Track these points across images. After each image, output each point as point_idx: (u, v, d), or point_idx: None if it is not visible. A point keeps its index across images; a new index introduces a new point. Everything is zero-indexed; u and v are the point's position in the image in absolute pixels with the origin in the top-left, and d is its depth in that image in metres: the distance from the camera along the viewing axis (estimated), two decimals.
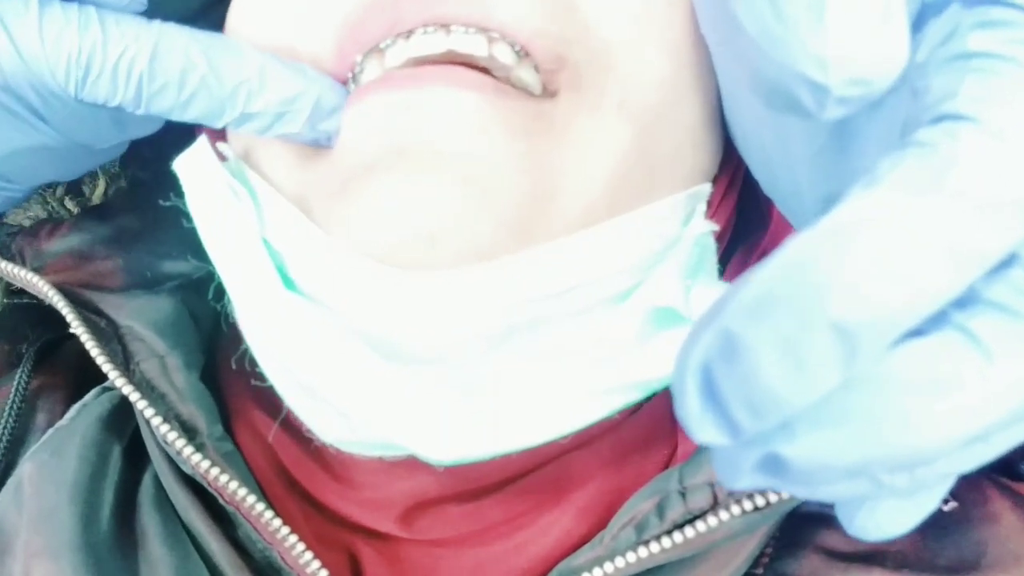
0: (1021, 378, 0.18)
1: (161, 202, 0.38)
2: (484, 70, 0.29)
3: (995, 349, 0.18)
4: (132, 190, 0.42)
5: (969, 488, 0.34)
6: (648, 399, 0.35)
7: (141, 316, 0.37)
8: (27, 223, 0.40)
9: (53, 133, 0.32)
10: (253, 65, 0.29)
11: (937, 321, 0.18)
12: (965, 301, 0.18)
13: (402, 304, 0.29)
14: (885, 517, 0.22)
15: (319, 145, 0.30)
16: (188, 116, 0.30)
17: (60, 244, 0.39)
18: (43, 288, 0.37)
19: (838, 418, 0.18)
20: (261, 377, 0.32)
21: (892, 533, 0.22)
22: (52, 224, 0.40)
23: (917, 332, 0.18)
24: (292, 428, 0.35)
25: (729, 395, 0.18)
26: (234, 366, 0.35)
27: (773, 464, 0.19)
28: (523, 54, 0.29)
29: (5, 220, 0.40)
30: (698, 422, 0.19)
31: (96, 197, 0.42)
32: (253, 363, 0.32)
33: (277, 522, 0.33)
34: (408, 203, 0.28)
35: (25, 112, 0.31)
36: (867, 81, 0.19)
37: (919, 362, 0.18)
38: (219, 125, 0.30)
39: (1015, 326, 0.18)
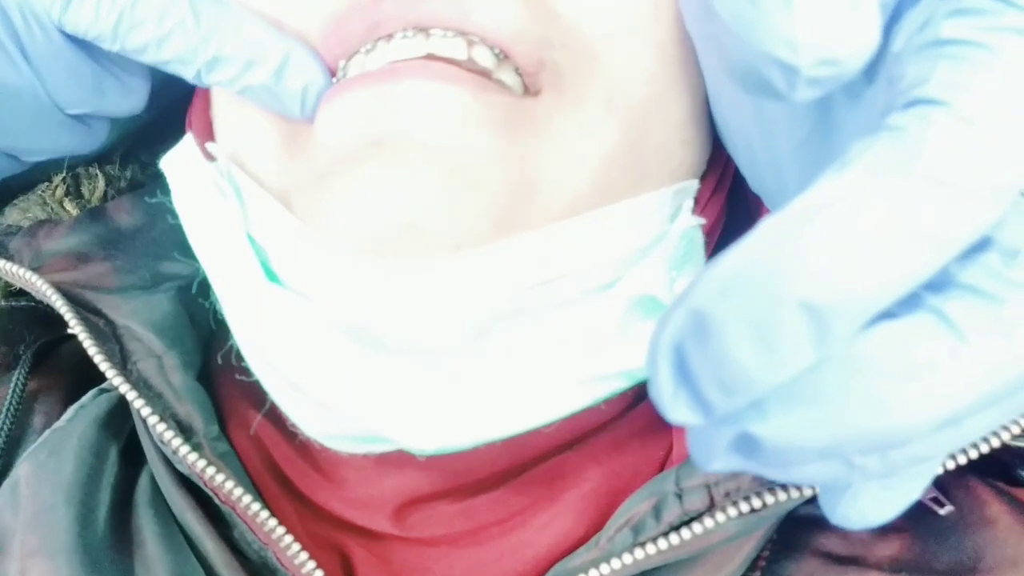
0: (995, 362, 0.18)
1: (147, 199, 0.38)
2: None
3: (969, 332, 0.18)
4: (130, 192, 0.42)
5: (966, 492, 0.34)
6: (642, 399, 0.36)
7: (139, 316, 0.37)
8: (25, 223, 0.40)
9: (29, 74, 0.33)
10: (232, 14, 0.30)
11: (910, 304, 0.18)
12: (939, 284, 0.18)
13: (382, 293, 0.29)
14: (867, 504, 0.22)
15: (284, 111, 0.31)
16: (162, 56, 0.30)
17: (58, 244, 0.39)
18: (41, 287, 0.37)
19: (810, 398, 0.18)
20: (247, 372, 0.32)
21: (874, 521, 0.22)
22: (51, 224, 0.40)
23: (890, 314, 0.18)
24: (283, 426, 0.35)
25: (700, 374, 0.18)
26: (220, 361, 0.35)
27: (746, 444, 0.19)
28: (503, 57, 0.29)
29: (4, 220, 0.40)
30: (670, 401, 0.19)
31: (95, 199, 0.42)
32: (240, 358, 0.32)
33: (272, 522, 0.33)
34: (385, 192, 0.28)
35: (6, 37, 0.31)
36: (836, 61, 0.20)
37: (891, 344, 0.18)
38: (191, 72, 0.31)
39: (989, 309, 0.18)
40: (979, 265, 0.18)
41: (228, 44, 0.30)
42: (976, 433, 0.19)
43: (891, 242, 0.17)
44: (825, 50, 0.19)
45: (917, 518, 0.33)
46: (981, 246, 0.19)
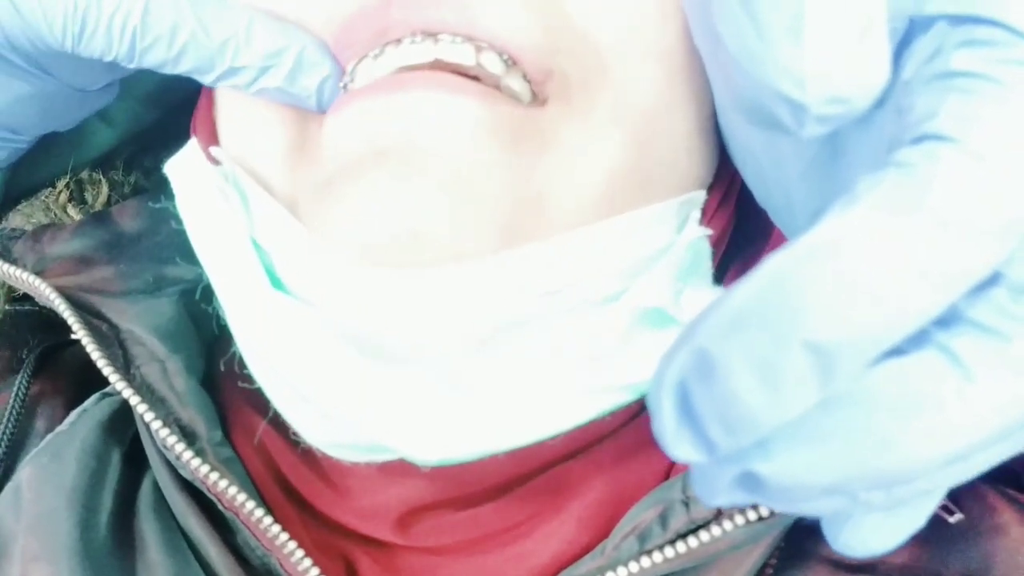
0: (1002, 399, 0.18)
1: (151, 204, 0.38)
2: (473, 79, 0.29)
3: (976, 369, 0.18)
4: (134, 197, 0.42)
5: (975, 500, 0.34)
6: (646, 409, 0.35)
7: (142, 320, 0.37)
8: (29, 228, 0.40)
9: (53, 80, 0.34)
10: (240, 21, 0.30)
11: (918, 340, 0.18)
12: (946, 320, 0.18)
13: (386, 302, 0.29)
14: (870, 534, 0.22)
15: (300, 105, 0.31)
16: (179, 69, 0.31)
17: (62, 248, 0.39)
18: (45, 291, 0.37)
19: (815, 437, 0.18)
20: (249, 379, 0.32)
21: (877, 550, 0.22)
22: (54, 229, 0.40)
23: (897, 351, 0.18)
24: (286, 434, 0.35)
25: (704, 413, 0.18)
26: (223, 368, 0.35)
27: (750, 481, 0.19)
28: (511, 63, 0.29)
29: (7, 224, 0.40)
30: (673, 439, 0.19)
31: (98, 204, 0.42)
32: (242, 365, 0.32)
33: (276, 528, 0.32)
34: (390, 201, 0.28)
35: (24, 63, 0.32)
36: (845, 99, 0.20)
37: (898, 381, 0.18)
38: (209, 80, 0.31)
39: (996, 346, 0.18)
40: (987, 301, 0.18)
41: (242, 54, 0.30)
42: (982, 467, 0.19)
43: (898, 281, 0.17)
44: (835, 88, 0.19)
45: (927, 526, 0.33)
46: (990, 281, 0.18)
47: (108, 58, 0.31)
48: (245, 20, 0.30)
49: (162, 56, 0.30)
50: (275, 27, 0.30)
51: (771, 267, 0.18)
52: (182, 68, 0.31)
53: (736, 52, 0.20)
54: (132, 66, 0.31)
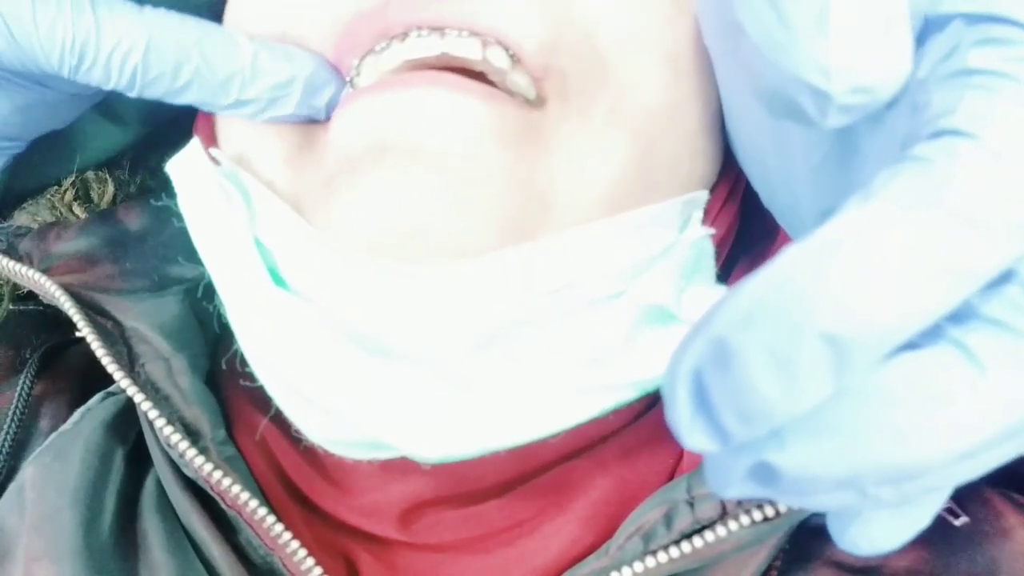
0: (1014, 395, 0.18)
1: (153, 202, 0.38)
2: (479, 75, 0.29)
3: (989, 365, 0.18)
4: (140, 196, 0.42)
5: (981, 504, 0.34)
6: (651, 407, 0.35)
7: (147, 318, 0.37)
8: (35, 226, 0.40)
9: (48, 91, 0.34)
10: (245, 55, 0.30)
11: (932, 335, 0.18)
12: (961, 316, 0.18)
13: (386, 299, 0.29)
14: (877, 531, 0.22)
15: (312, 120, 0.31)
16: (182, 101, 0.31)
17: (68, 246, 0.39)
18: (50, 289, 0.37)
19: (829, 429, 0.18)
20: (251, 377, 0.32)
21: (884, 548, 0.22)
22: (60, 227, 0.40)
23: (912, 345, 0.18)
24: (289, 432, 0.35)
25: (719, 402, 0.18)
26: (224, 366, 0.35)
27: (764, 472, 0.19)
28: (517, 59, 0.29)
29: (13, 222, 0.40)
30: (688, 428, 0.19)
31: (104, 203, 0.42)
32: (244, 363, 0.32)
33: (279, 527, 0.32)
34: (392, 198, 0.28)
35: (19, 79, 0.32)
36: (869, 89, 0.20)
37: (912, 376, 0.18)
38: (214, 111, 0.31)
39: (1010, 343, 0.18)
40: (1001, 298, 0.18)
41: (249, 88, 0.30)
42: (991, 465, 0.19)
43: (915, 275, 0.17)
44: (858, 77, 0.19)
45: (932, 529, 0.32)
46: (1004, 278, 0.18)
47: (108, 87, 0.30)
48: (250, 54, 0.30)
49: (165, 90, 0.30)
50: (280, 56, 0.30)
51: (789, 258, 0.18)
52: (185, 100, 0.31)
53: (760, 42, 0.20)
54: (133, 95, 0.31)
